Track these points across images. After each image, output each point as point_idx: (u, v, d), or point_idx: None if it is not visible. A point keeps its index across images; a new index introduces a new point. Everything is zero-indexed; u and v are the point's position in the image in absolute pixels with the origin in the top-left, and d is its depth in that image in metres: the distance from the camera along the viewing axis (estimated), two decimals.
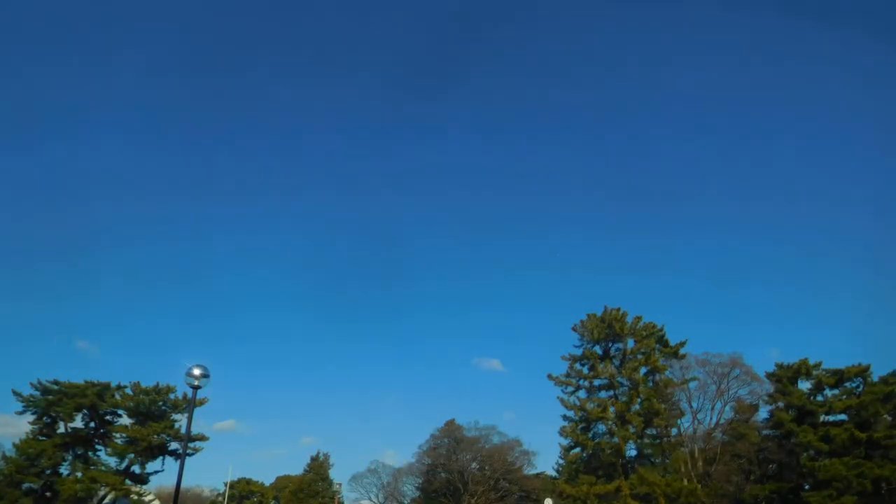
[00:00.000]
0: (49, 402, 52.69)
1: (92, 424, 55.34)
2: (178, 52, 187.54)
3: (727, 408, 55.47)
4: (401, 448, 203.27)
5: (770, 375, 52.42)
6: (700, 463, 52.38)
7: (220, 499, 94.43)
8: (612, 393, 53.54)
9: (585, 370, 54.65)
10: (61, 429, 54.14)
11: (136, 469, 54.66)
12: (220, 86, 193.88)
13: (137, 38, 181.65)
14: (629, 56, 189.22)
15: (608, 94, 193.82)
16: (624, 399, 52.30)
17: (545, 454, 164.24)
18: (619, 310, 55.09)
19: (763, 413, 54.62)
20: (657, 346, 53.87)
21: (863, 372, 48.04)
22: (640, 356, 52.90)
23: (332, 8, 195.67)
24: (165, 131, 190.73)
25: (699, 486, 48.22)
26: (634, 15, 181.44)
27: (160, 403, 55.94)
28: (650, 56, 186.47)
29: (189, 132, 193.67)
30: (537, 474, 79.08)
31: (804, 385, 50.43)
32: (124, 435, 54.52)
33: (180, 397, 55.85)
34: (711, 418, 55.24)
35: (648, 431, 51.37)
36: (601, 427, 52.75)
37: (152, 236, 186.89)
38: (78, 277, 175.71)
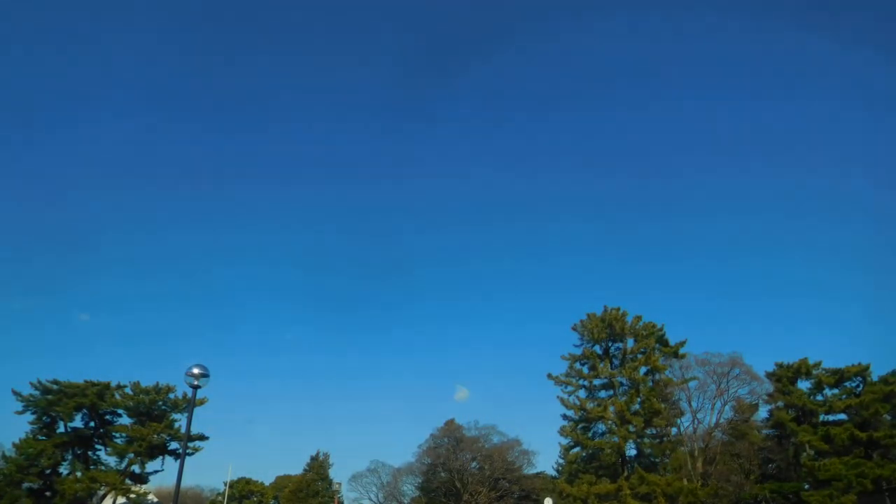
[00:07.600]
0: (49, 402, 52.62)
1: (92, 424, 55.32)
2: (175, 39, 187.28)
3: (727, 407, 55.53)
4: (401, 447, 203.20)
5: (770, 375, 52.46)
6: (700, 462, 52.41)
7: (220, 498, 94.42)
8: (611, 392, 53.48)
9: (585, 370, 54.60)
10: (61, 428, 54.10)
11: (135, 469, 54.62)
12: (217, 74, 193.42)
13: (135, 23, 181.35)
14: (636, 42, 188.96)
15: (606, 92, 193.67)
16: (624, 399, 52.23)
17: (545, 454, 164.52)
18: (618, 309, 55.07)
19: (763, 412, 54.77)
20: (657, 345, 53.86)
21: (862, 371, 48.08)
22: (639, 356, 52.85)
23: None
24: (162, 120, 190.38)
25: (699, 485, 48.21)
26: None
27: (160, 403, 55.97)
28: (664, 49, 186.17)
29: (185, 121, 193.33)
30: (537, 474, 79.01)
31: (804, 385, 50.53)
32: (124, 434, 54.54)
33: (180, 397, 55.95)
34: (711, 418, 55.30)
35: (648, 431, 51.31)
36: (601, 427, 52.69)
37: (150, 230, 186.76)
38: (77, 274, 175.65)
